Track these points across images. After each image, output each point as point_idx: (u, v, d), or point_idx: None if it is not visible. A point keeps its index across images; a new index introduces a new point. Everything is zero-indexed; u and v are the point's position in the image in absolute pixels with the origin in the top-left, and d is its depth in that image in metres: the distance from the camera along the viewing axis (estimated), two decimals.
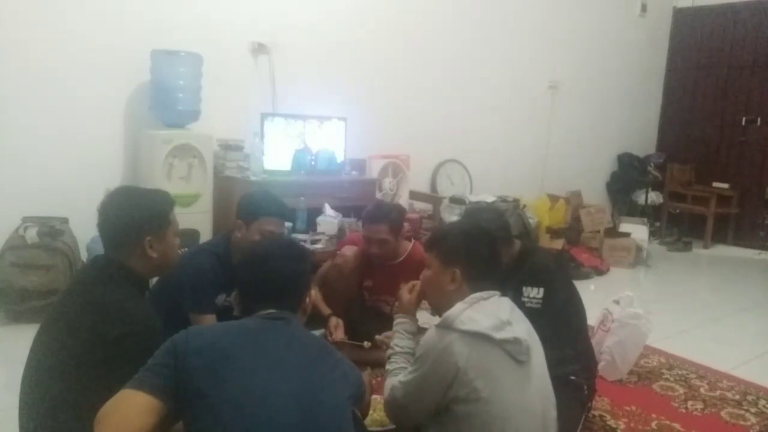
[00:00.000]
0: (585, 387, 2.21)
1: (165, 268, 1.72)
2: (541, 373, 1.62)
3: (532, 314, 2.12)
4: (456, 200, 4.70)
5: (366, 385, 1.58)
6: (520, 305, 2.14)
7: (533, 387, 1.55)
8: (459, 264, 1.63)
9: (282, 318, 1.39)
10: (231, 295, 2.33)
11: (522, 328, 1.57)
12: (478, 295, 1.57)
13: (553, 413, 1.62)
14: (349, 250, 2.84)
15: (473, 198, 4.83)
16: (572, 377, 2.18)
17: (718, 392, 2.76)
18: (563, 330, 2.21)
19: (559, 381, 2.13)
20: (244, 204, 2.37)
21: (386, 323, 2.17)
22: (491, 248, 1.68)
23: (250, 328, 1.36)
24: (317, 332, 2.98)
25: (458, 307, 1.52)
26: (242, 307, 1.48)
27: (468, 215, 2.33)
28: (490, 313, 1.52)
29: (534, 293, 2.13)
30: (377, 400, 1.99)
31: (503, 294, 1.67)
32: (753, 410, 2.60)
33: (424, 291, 1.80)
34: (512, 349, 1.50)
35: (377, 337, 2.01)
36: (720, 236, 6.33)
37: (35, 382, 1.50)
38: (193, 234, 3.25)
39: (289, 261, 1.50)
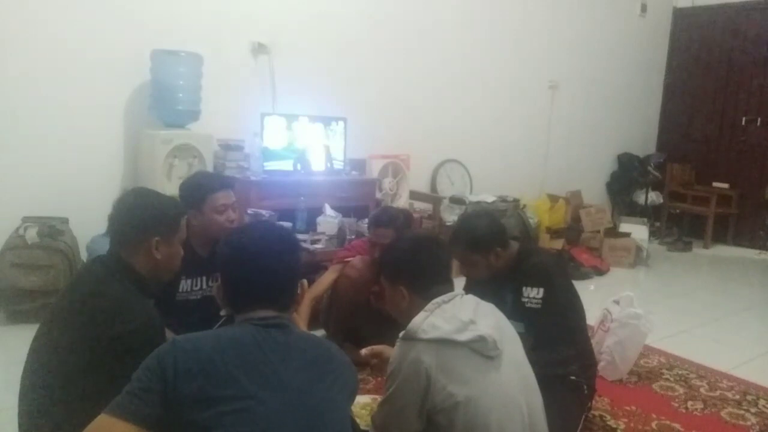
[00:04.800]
0: (585, 387, 2.22)
1: (165, 273, 1.72)
2: (517, 362, 1.62)
3: (532, 314, 2.13)
4: (456, 200, 4.71)
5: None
6: (520, 306, 2.14)
7: (509, 378, 1.55)
8: (402, 281, 1.65)
9: (277, 325, 1.29)
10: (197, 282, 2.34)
11: (488, 324, 1.56)
12: (438, 299, 1.57)
13: (537, 400, 1.62)
14: (360, 262, 2.82)
15: (473, 198, 4.83)
16: (572, 377, 2.18)
17: (718, 392, 2.77)
18: (563, 330, 2.22)
19: (558, 381, 2.14)
20: (187, 192, 2.33)
21: (391, 324, 2.18)
22: (431, 256, 1.69)
23: (245, 342, 1.23)
24: (318, 332, 2.99)
25: (420, 316, 1.52)
26: (230, 306, 1.37)
27: (462, 220, 2.33)
28: (451, 317, 1.53)
29: (534, 293, 2.14)
30: (376, 400, 1.99)
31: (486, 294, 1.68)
32: (753, 410, 2.60)
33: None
34: (479, 347, 1.50)
35: (362, 351, 2.02)
36: (720, 236, 6.33)
37: (35, 382, 1.50)
38: None
39: (283, 255, 1.37)
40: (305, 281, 1.43)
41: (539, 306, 2.12)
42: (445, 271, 1.70)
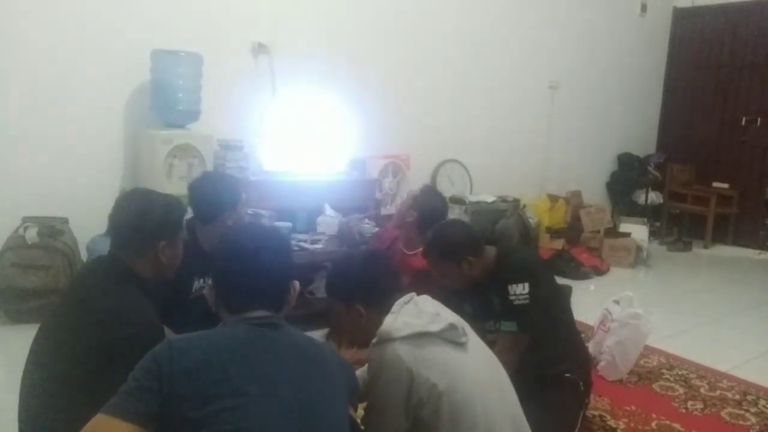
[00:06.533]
0: (581, 383, 2.21)
1: (168, 272, 1.72)
2: (479, 345, 1.66)
3: (522, 311, 2.12)
4: (456, 200, 4.71)
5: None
6: (509, 304, 2.13)
7: (479, 362, 1.59)
8: (358, 299, 1.63)
9: (270, 324, 1.30)
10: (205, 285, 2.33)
11: (449, 313, 1.61)
12: (400, 301, 1.59)
13: (503, 375, 1.65)
14: None
15: (473, 198, 4.84)
16: (567, 375, 2.18)
17: (718, 392, 2.77)
18: (553, 324, 2.22)
19: (554, 380, 2.14)
20: (226, 195, 2.36)
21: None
22: (382, 270, 1.70)
23: (239, 341, 1.25)
24: (319, 332, 3.00)
25: (389, 318, 1.54)
26: (224, 307, 1.37)
27: (434, 230, 2.32)
28: (417, 313, 1.56)
29: (520, 289, 2.13)
30: None
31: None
32: (753, 410, 2.60)
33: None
34: (451, 336, 1.53)
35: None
36: (720, 236, 6.32)
37: (35, 382, 1.50)
38: None
39: (275, 254, 1.38)
40: (297, 283, 1.43)
41: (527, 301, 2.12)
42: (396, 282, 1.72)
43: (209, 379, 1.16)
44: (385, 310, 1.57)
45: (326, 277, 1.82)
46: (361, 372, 1.70)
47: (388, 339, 1.50)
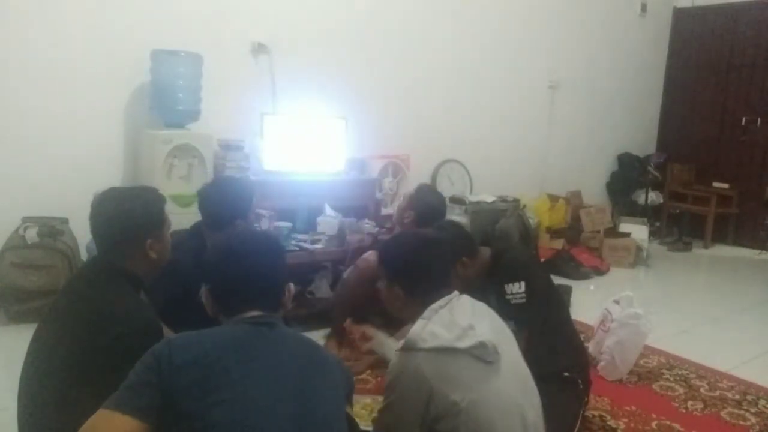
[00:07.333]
0: (579, 381, 2.22)
1: (160, 266, 1.72)
2: (515, 363, 1.60)
3: (519, 310, 2.12)
4: (456, 200, 4.71)
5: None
6: (506, 304, 2.13)
7: (509, 382, 1.53)
8: (399, 282, 1.62)
9: (267, 323, 1.32)
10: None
11: (486, 327, 1.55)
12: (435, 305, 1.55)
13: (536, 401, 1.60)
14: (372, 255, 2.84)
15: (473, 198, 4.84)
16: (566, 373, 2.18)
17: (718, 392, 2.77)
18: (550, 322, 2.22)
19: (553, 379, 2.14)
20: (237, 202, 2.39)
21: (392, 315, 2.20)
22: (433, 260, 1.65)
23: (237, 337, 1.28)
24: (320, 332, 3.00)
25: (418, 325, 1.51)
26: (221, 309, 1.40)
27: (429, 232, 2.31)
28: (450, 323, 1.50)
29: (516, 288, 2.13)
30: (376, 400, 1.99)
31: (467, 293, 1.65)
32: (753, 410, 2.60)
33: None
34: (480, 353, 1.48)
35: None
36: (720, 236, 6.32)
37: (34, 382, 1.50)
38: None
39: (267, 255, 1.42)
40: (292, 285, 1.45)
41: (524, 300, 2.12)
42: (445, 276, 1.67)
43: (208, 373, 1.18)
44: (425, 303, 1.54)
45: (383, 243, 1.80)
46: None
47: (413, 348, 1.46)
